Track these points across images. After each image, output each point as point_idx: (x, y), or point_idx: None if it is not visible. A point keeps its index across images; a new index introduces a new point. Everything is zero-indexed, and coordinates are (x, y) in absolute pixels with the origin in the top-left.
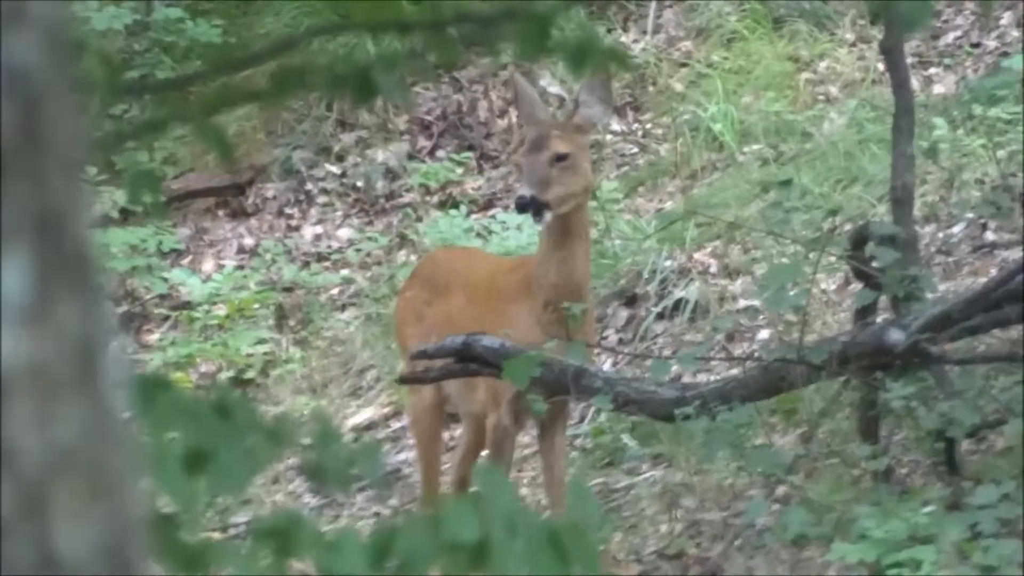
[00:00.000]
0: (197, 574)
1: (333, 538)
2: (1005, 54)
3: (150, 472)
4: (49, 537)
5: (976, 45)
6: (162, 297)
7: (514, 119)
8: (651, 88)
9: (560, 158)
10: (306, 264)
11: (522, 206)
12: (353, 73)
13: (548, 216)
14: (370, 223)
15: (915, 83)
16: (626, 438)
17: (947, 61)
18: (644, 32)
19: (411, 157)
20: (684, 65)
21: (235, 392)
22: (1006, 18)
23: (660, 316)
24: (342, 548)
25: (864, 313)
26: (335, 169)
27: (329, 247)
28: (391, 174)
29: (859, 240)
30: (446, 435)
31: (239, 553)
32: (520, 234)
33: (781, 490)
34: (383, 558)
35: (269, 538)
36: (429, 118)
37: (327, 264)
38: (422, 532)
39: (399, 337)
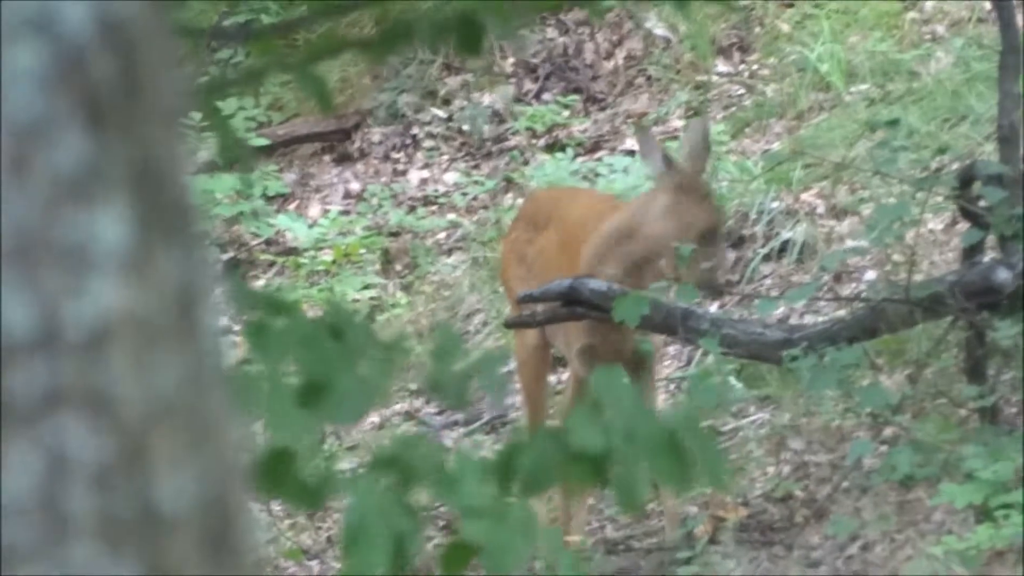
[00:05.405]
0: (315, 508)
1: (454, 466)
2: None
3: (262, 407)
4: (150, 488)
5: None
6: (268, 243)
7: (620, 61)
8: (757, 29)
9: None
10: (412, 208)
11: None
12: (458, 19)
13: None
14: (476, 167)
15: (1021, 21)
16: (733, 380)
17: None
18: None
19: (517, 100)
20: (790, 6)
21: (348, 311)
22: None
23: (767, 257)
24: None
25: (971, 252)
26: (441, 113)
27: (435, 191)
28: (497, 117)
29: (966, 179)
30: (553, 379)
31: (359, 483)
32: (627, 176)
33: (888, 431)
34: (508, 478)
35: (390, 467)
36: (535, 61)
37: (433, 208)
38: (547, 445)
39: (504, 279)
